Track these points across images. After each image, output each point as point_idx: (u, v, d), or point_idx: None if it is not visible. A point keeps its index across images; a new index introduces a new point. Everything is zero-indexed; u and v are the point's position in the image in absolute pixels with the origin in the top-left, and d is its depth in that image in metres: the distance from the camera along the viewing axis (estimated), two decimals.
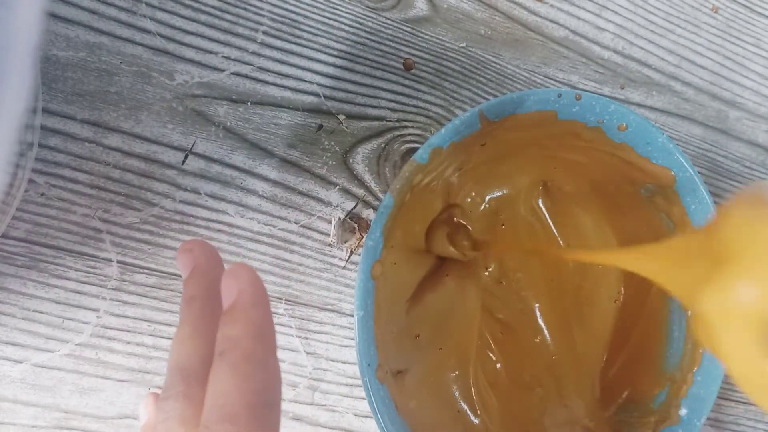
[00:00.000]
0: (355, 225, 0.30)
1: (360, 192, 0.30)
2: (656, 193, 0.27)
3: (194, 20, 0.28)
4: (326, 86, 0.30)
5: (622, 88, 0.35)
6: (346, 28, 0.30)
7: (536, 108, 0.25)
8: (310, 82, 0.29)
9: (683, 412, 0.26)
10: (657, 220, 0.28)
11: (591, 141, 0.27)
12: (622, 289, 0.30)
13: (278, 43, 0.29)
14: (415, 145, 0.31)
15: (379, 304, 0.24)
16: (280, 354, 0.28)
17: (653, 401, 0.27)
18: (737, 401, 0.35)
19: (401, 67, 0.31)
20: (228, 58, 0.28)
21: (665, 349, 0.28)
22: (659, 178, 0.27)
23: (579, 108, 0.25)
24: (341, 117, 0.30)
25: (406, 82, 0.31)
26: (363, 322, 0.22)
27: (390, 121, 0.31)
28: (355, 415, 0.29)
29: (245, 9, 0.29)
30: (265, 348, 0.15)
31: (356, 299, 0.23)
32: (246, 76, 0.28)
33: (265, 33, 0.29)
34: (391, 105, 0.31)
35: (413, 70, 0.31)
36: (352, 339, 0.29)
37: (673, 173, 0.26)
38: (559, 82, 0.34)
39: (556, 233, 0.30)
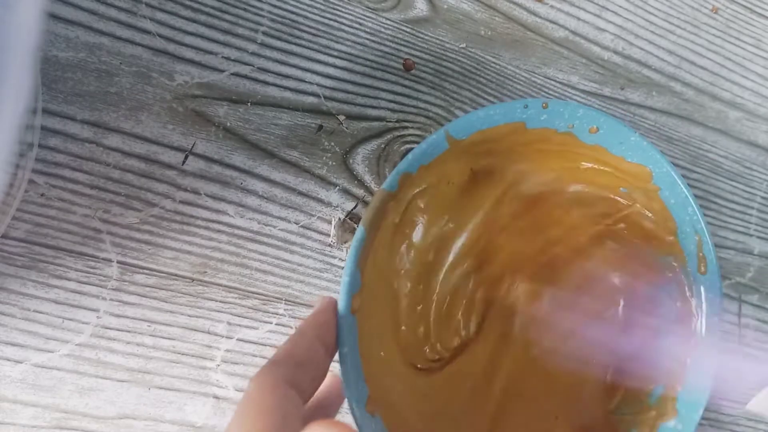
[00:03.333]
0: (355, 225, 0.30)
1: (360, 192, 0.30)
2: (635, 189, 0.27)
3: (194, 21, 0.28)
4: (326, 87, 0.30)
5: (622, 89, 0.35)
6: (346, 28, 0.30)
7: (504, 121, 0.25)
8: (310, 82, 0.29)
9: (680, 405, 0.26)
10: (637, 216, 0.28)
11: (563, 144, 0.27)
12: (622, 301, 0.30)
13: (278, 43, 0.29)
14: (415, 145, 0.31)
15: (364, 336, 0.23)
16: None
17: (650, 396, 0.27)
18: (737, 401, 0.35)
19: (401, 67, 0.31)
20: (228, 58, 0.28)
21: (658, 343, 0.28)
22: (635, 175, 0.27)
23: (547, 116, 0.25)
24: (341, 117, 0.30)
25: (406, 82, 0.31)
26: (348, 357, 0.22)
27: (390, 121, 0.31)
28: None
29: (245, 9, 0.29)
30: None
31: (338, 336, 0.21)
32: (246, 77, 0.28)
33: (264, 33, 0.29)
34: (391, 105, 0.31)
35: (413, 71, 0.31)
36: None
37: (649, 169, 0.26)
38: (559, 82, 0.34)
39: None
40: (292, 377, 0.18)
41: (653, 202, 0.27)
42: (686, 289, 0.28)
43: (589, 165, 0.28)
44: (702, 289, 0.27)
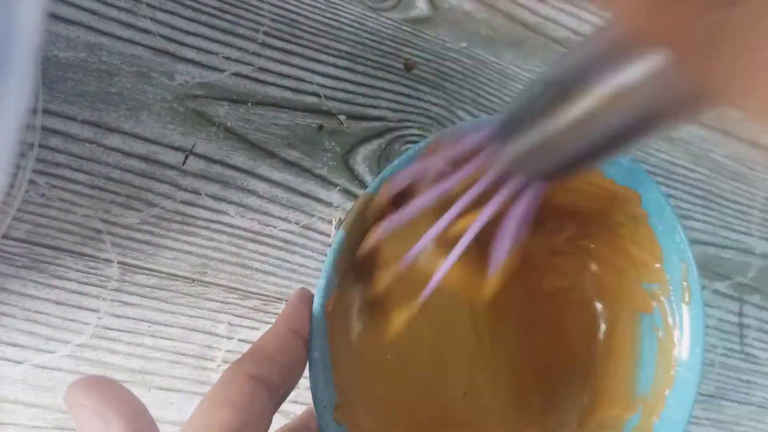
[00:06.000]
0: None
1: (361, 192, 0.30)
2: (623, 213, 0.27)
3: (195, 20, 0.28)
4: (327, 86, 0.30)
5: None
6: (347, 28, 0.30)
7: None
8: (310, 82, 0.29)
9: None
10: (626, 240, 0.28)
11: None
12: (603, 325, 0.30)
13: (279, 43, 0.29)
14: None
15: (337, 341, 0.22)
16: None
17: (625, 426, 0.27)
18: (738, 402, 0.35)
19: (402, 67, 0.31)
20: (228, 58, 0.28)
21: (637, 372, 0.28)
22: (625, 198, 0.26)
23: None
24: (342, 117, 0.30)
25: (407, 82, 0.31)
26: (318, 362, 0.21)
27: (391, 121, 0.31)
28: None
29: (246, 9, 0.29)
30: None
31: (310, 339, 0.21)
32: (246, 77, 0.28)
33: (265, 33, 0.29)
34: (392, 105, 0.31)
35: (414, 71, 0.31)
36: None
37: (638, 193, 0.26)
38: None
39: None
40: (257, 371, 0.18)
41: (641, 227, 0.27)
42: (669, 318, 0.27)
43: (577, 185, 0.28)
44: (685, 319, 0.27)
